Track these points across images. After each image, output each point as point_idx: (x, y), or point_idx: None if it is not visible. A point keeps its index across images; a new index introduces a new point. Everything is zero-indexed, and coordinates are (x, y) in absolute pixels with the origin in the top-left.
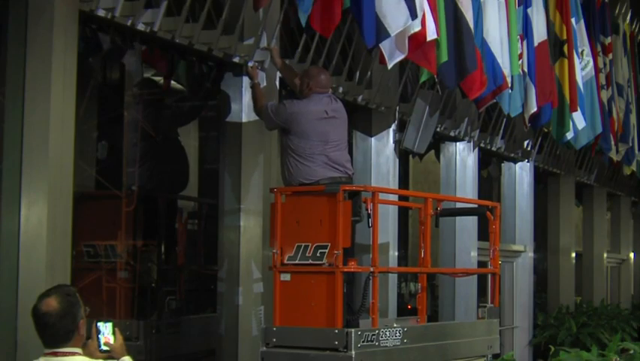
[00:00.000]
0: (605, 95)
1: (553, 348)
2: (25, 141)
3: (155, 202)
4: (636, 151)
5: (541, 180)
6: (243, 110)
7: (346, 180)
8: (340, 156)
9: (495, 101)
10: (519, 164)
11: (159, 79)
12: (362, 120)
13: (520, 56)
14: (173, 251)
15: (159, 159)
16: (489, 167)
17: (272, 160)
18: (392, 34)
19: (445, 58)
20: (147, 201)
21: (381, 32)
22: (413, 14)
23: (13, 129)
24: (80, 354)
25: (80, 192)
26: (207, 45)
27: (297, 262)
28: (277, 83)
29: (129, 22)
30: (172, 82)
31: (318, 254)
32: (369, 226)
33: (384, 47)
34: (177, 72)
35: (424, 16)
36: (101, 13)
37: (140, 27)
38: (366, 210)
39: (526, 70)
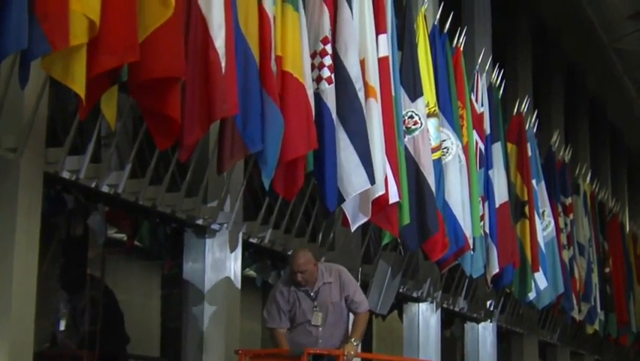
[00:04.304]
0: (566, 254)
1: None
2: None
3: None
4: (598, 310)
5: (505, 340)
6: (206, 270)
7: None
8: None
9: (457, 262)
10: (482, 324)
11: (122, 236)
12: None
13: (482, 218)
14: None
15: (120, 318)
16: (452, 327)
17: (234, 320)
18: (347, 199)
19: (407, 220)
20: None
21: (340, 197)
22: (371, 179)
23: None
24: None
25: (40, 352)
26: (171, 207)
27: None
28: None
29: (94, 184)
30: (135, 242)
31: None
32: None
33: (348, 209)
34: (141, 232)
35: (386, 179)
36: (66, 175)
37: (105, 189)
38: None
39: (487, 231)
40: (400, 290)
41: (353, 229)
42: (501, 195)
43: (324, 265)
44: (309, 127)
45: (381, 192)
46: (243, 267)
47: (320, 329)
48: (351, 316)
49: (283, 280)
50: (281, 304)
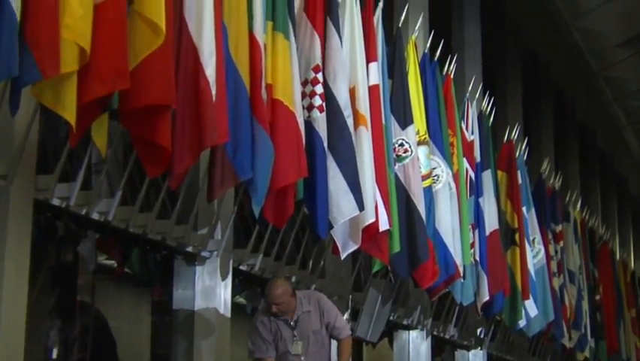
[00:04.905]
0: (556, 282)
1: None
2: None
3: None
4: (589, 337)
5: None
6: (196, 297)
7: None
8: None
9: (447, 290)
10: (472, 351)
11: (112, 263)
12: None
13: (472, 245)
14: None
15: (112, 344)
16: (442, 354)
17: (224, 347)
18: (335, 226)
19: (397, 248)
20: None
21: (330, 224)
22: (360, 206)
23: None
24: None
25: None
26: (161, 234)
27: None
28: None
29: (84, 212)
30: (125, 269)
31: None
32: None
33: (338, 237)
34: (131, 259)
35: (376, 206)
36: (56, 202)
37: (95, 216)
38: None
39: (478, 259)
40: (391, 318)
41: (343, 256)
42: (491, 222)
43: (303, 294)
44: (300, 155)
45: (372, 219)
46: (233, 294)
47: (302, 358)
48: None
49: (263, 310)
50: (264, 333)
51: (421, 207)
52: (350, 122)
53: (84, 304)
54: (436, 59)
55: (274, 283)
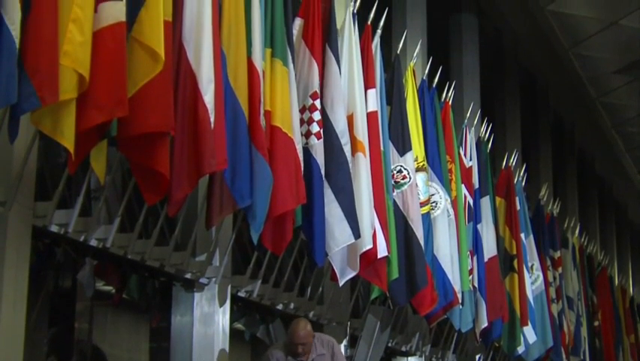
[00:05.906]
0: (555, 308)
1: None
2: None
3: None
4: None
5: None
6: (194, 324)
7: None
8: None
9: (446, 316)
10: None
11: (110, 289)
12: None
13: (471, 272)
14: None
15: None
16: None
17: None
18: (330, 253)
19: (395, 275)
20: None
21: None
22: (356, 234)
23: None
24: None
25: None
26: (159, 261)
27: None
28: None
29: (82, 238)
30: (123, 295)
31: None
32: None
33: (336, 264)
34: (129, 286)
35: (374, 233)
36: (55, 228)
37: (93, 242)
38: None
39: (476, 285)
40: (389, 344)
41: (341, 283)
42: (490, 249)
43: (317, 336)
44: (298, 182)
45: (370, 246)
46: (232, 321)
47: None
48: None
49: (279, 347)
50: None
51: (420, 234)
52: (347, 149)
53: (81, 331)
54: (434, 85)
55: (299, 325)
